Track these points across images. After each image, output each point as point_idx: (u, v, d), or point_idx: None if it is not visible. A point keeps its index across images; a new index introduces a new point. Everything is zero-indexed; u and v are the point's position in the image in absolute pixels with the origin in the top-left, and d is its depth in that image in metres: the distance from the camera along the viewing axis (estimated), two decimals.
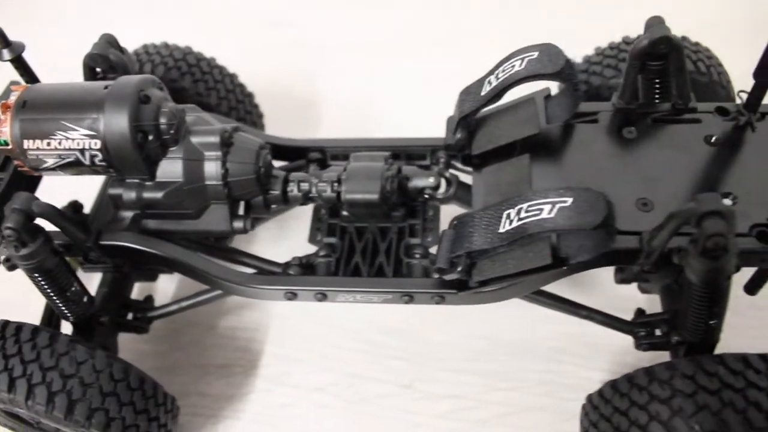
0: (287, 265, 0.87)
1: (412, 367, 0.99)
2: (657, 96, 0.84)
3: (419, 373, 0.98)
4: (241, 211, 0.86)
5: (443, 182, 0.90)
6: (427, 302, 0.81)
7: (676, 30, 0.98)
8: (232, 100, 1.05)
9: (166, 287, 1.09)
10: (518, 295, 0.82)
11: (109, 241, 0.82)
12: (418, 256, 0.87)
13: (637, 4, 1.33)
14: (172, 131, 0.77)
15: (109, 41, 0.87)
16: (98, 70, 0.88)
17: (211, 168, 0.80)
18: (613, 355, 0.97)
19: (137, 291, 1.03)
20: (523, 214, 0.71)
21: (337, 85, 1.39)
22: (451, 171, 0.92)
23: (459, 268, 0.76)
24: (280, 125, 1.22)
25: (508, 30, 1.43)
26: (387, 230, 0.90)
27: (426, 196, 0.89)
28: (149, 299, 0.96)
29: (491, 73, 0.85)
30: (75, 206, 0.95)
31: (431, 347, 1.00)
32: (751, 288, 0.83)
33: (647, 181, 0.78)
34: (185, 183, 0.79)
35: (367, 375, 0.98)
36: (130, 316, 0.93)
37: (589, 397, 0.80)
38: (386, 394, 0.96)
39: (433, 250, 0.87)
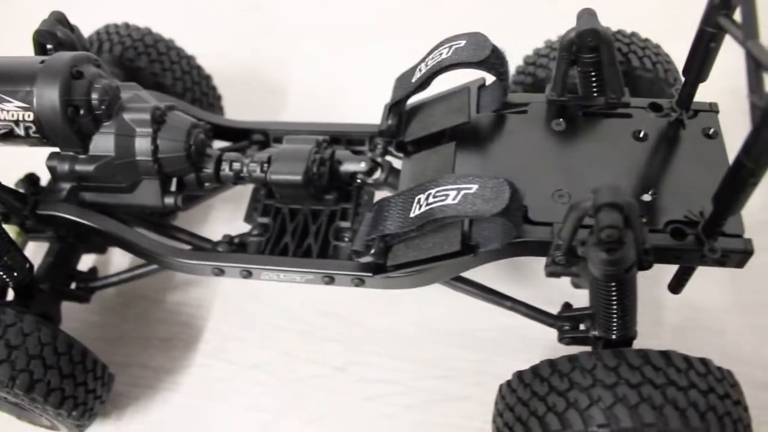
0: (218, 242, 0.90)
1: (347, 350, 1.00)
2: (594, 89, 0.84)
3: (353, 356, 0.99)
4: (174, 188, 0.88)
5: (377, 167, 0.91)
6: (348, 284, 0.83)
7: (626, 25, 0.98)
8: (187, 81, 1.07)
9: (120, 261, 1.12)
10: (437, 281, 0.83)
11: (44, 211, 0.85)
12: (346, 239, 0.88)
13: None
14: (103, 106, 0.80)
15: (58, 19, 0.90)
16: (48, 46, 0.91)
17: (142, 144, 0.82)
18: (547, 349, 0.97)
19: (98, 263, 1.07)
20: (431, 200, 0.72)
21: (307, 71, 1.40)
22: (387, 157, 0.93)
23: (372, 251, 0.78)
24: (246, 109, 1.25)
25: (481, 18, 1.44)
26: (319, 213, 0.91)
27: (358, 180, 0.91)
28: (93, 271, 0.99)
29: (423, 60, 0.86)
30: (31, 179, 0.98)
31: (367, 332, 1.01)
32: (674, 287, 0.82)
33: (568, 173, 0.79)
34: (117, 158, 0.82)
35: (303, 355, 1.00)
36: (74, 286, 0.97)
37: (508, 381, 0.79)
38: (320, 374, 0.98)
39: None
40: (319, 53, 1.43)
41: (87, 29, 1.05)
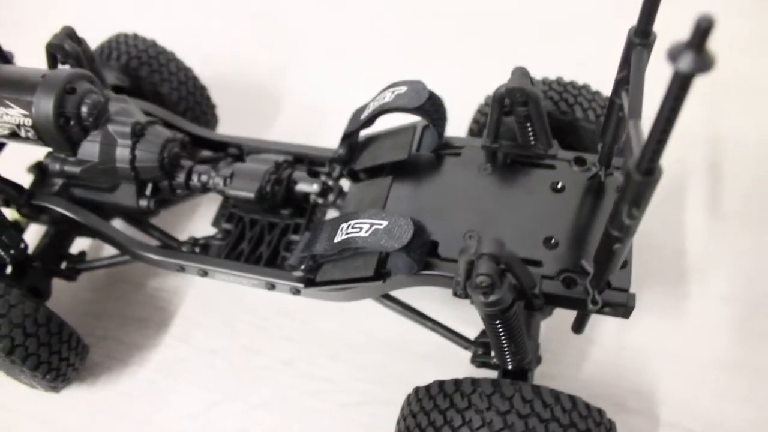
0: (184, 242, 1.02)
1: (297, 347, 1.11)
2: (530, 137, 0.92)
3: (301, 353, 1.11)
4: (149, 193, 1.01)
5: (329, 190, 1.01)
6: (286, 291, 0.94)
7: (581, 78, 1.05)
8: (182, 91, 1.19)
9: (109, 247, 1.25)
10: (362, 298, 0.93)
11: (38, 202, 1.00)
12: (294, 251, 0.99)
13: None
14: (91, 118, 0.93)
15: (68, 33, 1.03)
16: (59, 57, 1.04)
17: (122, 153, 0.95)
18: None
19: (91, 247, 1.21)
20: (349, 230, 0.83)
21: (305, 84, 1.50)
22: (343, 180, 1.03)
23: (303, 267, 0.89)
24: (239, 117, 1.38)
25: (483, 47, 1.51)
26: (275, 225, 1.02)
27: (311, 200, 1.02)
28: (82, 254, 1.13)
29: (373, 98, 0.96)
30: (40, 166, 1.12)
31: (317, 333, 1.12)
32: (576, 327, 0.90)
33: (483, 215, 0.87)
34: (100, 163, 0.95)
35: (257, 348, 1.12)
36: (64, 265, 1.11)
37: (416, 389, 0.87)
38: (268, 366, 1.10)
39: None
40: (319, 63, 1.54)
41: (98, 34, 1.19)
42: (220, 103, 1.33)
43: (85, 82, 0.95)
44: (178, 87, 1.19)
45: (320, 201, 1.01)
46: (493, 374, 0.94)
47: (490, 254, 0.72)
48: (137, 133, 0.95)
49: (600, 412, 0.79)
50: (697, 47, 0.44)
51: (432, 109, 0.90)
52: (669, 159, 0.65)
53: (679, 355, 1.05)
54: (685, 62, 0.45)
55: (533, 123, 0.90)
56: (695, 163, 1.26)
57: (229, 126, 1.35)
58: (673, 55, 0.45)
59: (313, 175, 1.06)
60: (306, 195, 1.01)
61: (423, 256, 0.81)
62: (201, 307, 1.17)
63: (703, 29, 0.43)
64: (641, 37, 0.71)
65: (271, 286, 0.94)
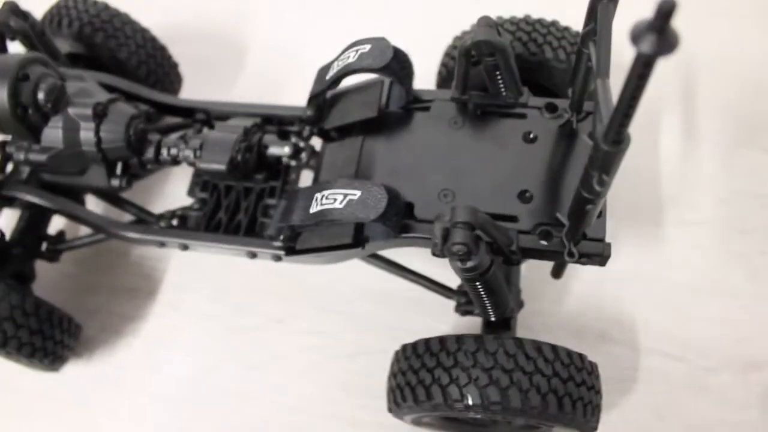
0: (161, 216, 1.01)
1: (287, 303, 1.13)
2: (500, 87, 0.90)
3: (291, 309, 1.13)
4: (119, 172, 1.00)
5: (300, 151, 1.00)
6: (268, 259, 0.95)
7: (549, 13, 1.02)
8: (141, 54, 1.15)
9: None
10: (343, 261, 0.94)
11: (8, 192, 0.98)
12: (272, 215, 0.99)
13: None
14: (49, 104, 0.90)
15: (11, 9, 0.98)
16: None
17: (87, 136, 0.93)
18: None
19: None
20: (323, 201, 0.82)
21: (269, 32, 1.45)
22: (314, 140, 1.02)
23: (281, 237, 0.89)
24: (203, 73, 1.34)
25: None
26: (250, 190, 1.02)
27: (284, 162, 1.01)
28: (61, 234, 1.12)
29: (337, 57, 0.93)
30: (5, 154, 1.09)
31: (305, 289, 1.14)
32: (555, 272, 0.92)
33: (457, 172, 0.87)
34: (65, 149, 0.93)
35: (248, 308, 1.14)
36: (45, 246, 1.10)
37: (404, 347, 0.89)
38: (261, 325, 1.12)
39: None
40: (281, 12, 1.48)
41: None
42: (183, 58, 1.29)
43: (38, 66, 0.91)
44: (136, 50, 1.14)
45: (293, 163, 1.00)
46: (477, 322, 0.97)
47: (465, 222, 0.73)
48: (99, 114, 0.93)
49: (581, 356, 0.82)
50: (660, 29, 0.43)
51: (398, 67, 0.88)
52: None
53: (656, 281, 1.08)
54: (648, 44, 0.44)
55: (502, 73, 0.88)
56: (670, 87, 1.25)
57: (193, 83, 1.31)
58: (636, 36, 0.44)
59: (284, 136, 1.04)
60: (278, 158, 1.00)
61: (399, 221, 0.81)
62: (189, 272, 1.18)
63: (665, 12, 0.42)
64: None
65: (253, 255, 0.95)
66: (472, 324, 1.05)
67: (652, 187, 1.15)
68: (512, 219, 0.82)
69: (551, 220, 0.82)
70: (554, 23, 1.02)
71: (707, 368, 1.02)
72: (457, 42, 1.08)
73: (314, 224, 0.83)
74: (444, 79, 1.10)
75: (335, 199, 0.81)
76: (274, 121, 1.05)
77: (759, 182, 1.14)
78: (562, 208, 0.83)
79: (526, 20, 1.02)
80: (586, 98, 0.85)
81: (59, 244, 1.10)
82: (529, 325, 1.07)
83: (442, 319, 1.09)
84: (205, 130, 1.04)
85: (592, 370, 0.84)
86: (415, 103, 0.93)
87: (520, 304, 0.96)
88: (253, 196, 1.01)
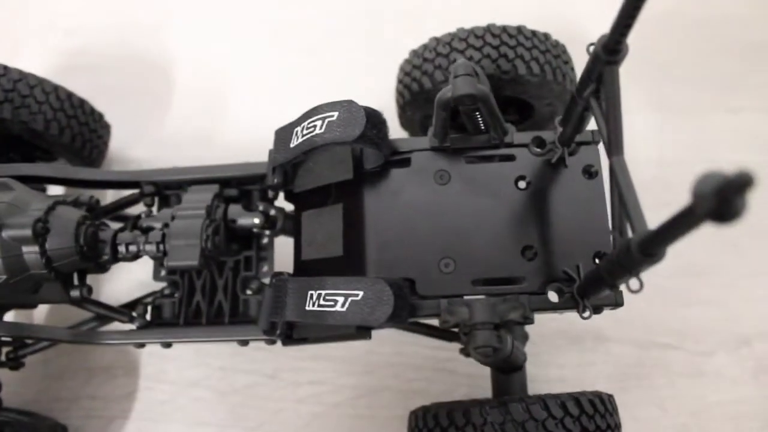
0: (135, 310, 0.92)
1: (276, 357, 1.09)
2: (480, 127, 0.83)
3: (282, 363, 1.08)
4: (76, 281, 0.89)
5: (272, 220, 0.92)
6: (261, 343, 0.89)
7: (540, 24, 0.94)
8: (61, 118, 1.00)
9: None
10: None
11: None
12: (252, 289, 0.92)
13: None
14: None
15: None
16: None
17: (32, 259, 0.81)
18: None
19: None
20: (322, 301, 0.76)
21: (191, 45, 1.31)
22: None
23: (278, 332, 0.83)
24: (127, 113, 1.19)
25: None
26: (223, 264, 0.94)
27: (256, 231, 0.92)
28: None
29: (298, 122, 0.83)
30: None
31: None
32: None
33: (453, 235, 0.81)
34: (10, 277, 0.81)
35: (236, 367, 1.09)
36: (3, 354, 1.00)
37: (423, 415, 0.84)
38: (254, 383, 1.08)
39: (266, 280, 0.92)
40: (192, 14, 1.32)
41: None
42: (98, 91, 1.13)
43: None
44: (54, 116, 0.99)
45: (267, 233, 0.92)
46: None
47: (486, 323, 0.70)
48: (41, 233, 0.81)
49: (602, 399, 0.82)
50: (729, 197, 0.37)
51: (373, 132, 0.79)
52: None
53: (647, 272, 1.08)
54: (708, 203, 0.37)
55: (484, 118, 0.81)
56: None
57: (122, 130, 1.17)
58: (700, 195, 0.37)
59: (245, 197, 0.95)
60: (249, 229, 0.91)
61: (407, 314, 0.76)
62: None
63: (740, 184, 0.35)
64: (610, 53, 0.62)
65: (244, 343, 0.89)
66: None
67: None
68: (519, 281, 0.79)
69: (560, 275, 0.79)
70: (521, 30, 0.94)
71: (704, 352, 1.04)
72: (409, 66, 0.99)
73: (314, 323, 0.78)
74: (402, 107, 1.02)
75: (335, 302, 0.75)
76: (232, 183, 0.95)
77: (730, 148, 1.14)
78: (568, 258, 0.79)
79: (491, 31, 0.93)
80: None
81: (21, 350, 1.00)
82: None
83: (437, 344, 1.07)
84: (155, 210, 0.93)
85: (613, 407, 0.84)
86: (391, 155, 0.85)
87: (525, 336, 0.95)
88: (227, 271, 0.93)
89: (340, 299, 0.75)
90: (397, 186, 0.84)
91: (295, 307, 0.79)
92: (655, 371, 1.04)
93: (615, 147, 0.63)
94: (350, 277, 0.76)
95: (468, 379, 1.06)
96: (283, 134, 0.86)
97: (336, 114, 0.79)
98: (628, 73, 0.68)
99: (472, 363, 0.97)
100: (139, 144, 1.23)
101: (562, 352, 1.05)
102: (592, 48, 0.65)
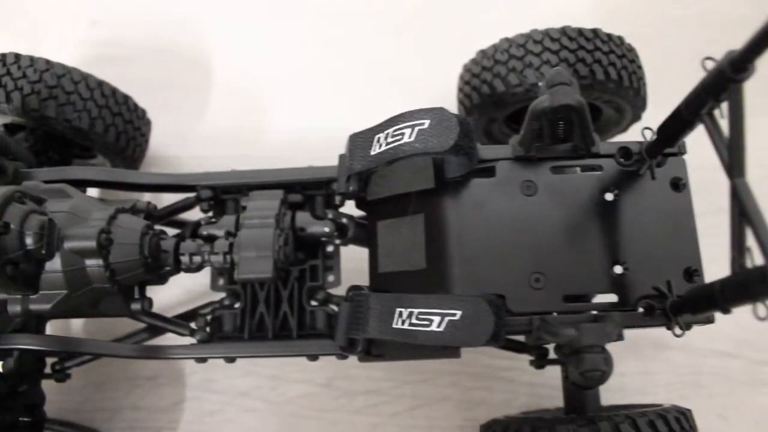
0: (195, 322, 0.87)
1: (328, 365, 1.05)
2: (560, 136, 0.80)
3: (336, 371, 1.05)
4: (137, 294, 0.84)
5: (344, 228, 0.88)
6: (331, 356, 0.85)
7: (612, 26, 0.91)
8: (107, 116, 0.94)
9: None
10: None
11: (4, 345, 0.81)
12: (318, 300, 0.88)
13: None
14: (43, 251, 0.72)
15: None
16: None
17: (95, 273, 0.76)
18: None
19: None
20: (414, 320, 0.73)
21: (229, 38, 1.25)
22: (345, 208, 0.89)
23: (358, 350, 0.79)
24: (168, 108, 1.13)
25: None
26: (288, 273, 0.89)
27: (324, 240, 0.88)
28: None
29: (381, 128, 0.79)
30: None
31: None
32: None
33: (542, 249, 0.78)
34: (72, 292, 0.76)
35: (288, 376, 1.05)
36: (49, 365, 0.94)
37: (489, 427, 0.85)
38: (307, 393, 1.04)
39: (334, 290, 0.88)
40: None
41: None
42: (135, 85, 1.07)
43: (16, 205, 0.71)
44: (99, 113, 0.93)
45: (338, 242, 0.88)
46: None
47: (596, 346, 0.67)
48: (105, 245, 0.75)
49: (685, 415, 0.81)
50: None
51: (465, 141, 0.75)
52: None
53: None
54: None
55: (575, 128, 0.78)
56: None
57: (162, 126, 1.11)
58: None
59: (309, 201, 0.90)
60: (317, 237, 0.87)
61: (503, 330, 0.73)
62: None
63: None
64: (738, 71, 0.59)
65: (314, 357, 0.85)
66: None
67: None
68: (610, 297, 0.77)
69: (649, 291, 0.77)
70: (597, 33, 0.90)
71: (763, 361, 1.04)
72: (477, 68, 0.95)
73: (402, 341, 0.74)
74: (467, 110, 0.98)
75: (431, 321, 0.72)
76: (297, 188, 0.90)
77: None
78: (658, 274, 0.77)
79: (567, 34, 0.90)
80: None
81: (67, 361, 0.94)
82: None
83: (497, 353, 1.04)
84: (226, 218, 0.88)
85: (693, 424, 0.83)
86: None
87: None
88: (292, 280, 0.89)
89: (436, 319, 0.71)
90: (481, 196, 0.80)
91: (380, 324, 0.76)
92: (715, 379, 1.03)
93: (737, 168, 0.61)
94: (444, 295, 0.73)
95: (528, 387, 1.03)
96: (360, 140, 0.81)
97: (427, 122, 0.75)
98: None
99: (531, 372, 0.94)
100: (174, 142, 1.17)
101: (622, 360, 1.04)
102: (708, 62, 0.62)
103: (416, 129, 0.75)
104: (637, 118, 0.99)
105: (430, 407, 1.03)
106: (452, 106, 1.00)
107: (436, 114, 0.75)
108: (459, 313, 0.70)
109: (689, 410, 0.83)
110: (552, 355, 0.88)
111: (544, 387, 1.03)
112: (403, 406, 1.03)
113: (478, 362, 1.05)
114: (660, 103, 0.96)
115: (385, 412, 1.03)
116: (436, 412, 1.02)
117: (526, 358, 1.00)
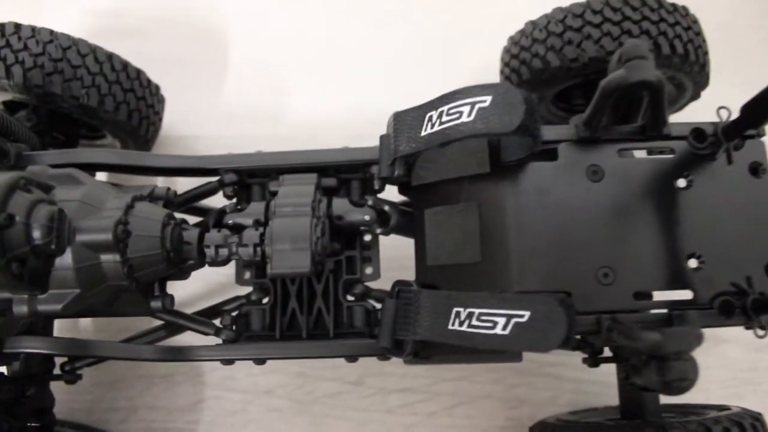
0: (220, 320, 0.79)
1: (360, 361, 0.97)
2: (627, 115, 0.73)
3: (368, 368, 0.98)
4: (157, 291, 0.76)
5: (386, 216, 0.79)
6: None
7: None
8: (117, 92, 0.85)
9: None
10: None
11: (10, 350, 0.73)
12: (356, 295, 0.80)
13: None
14: (52, 246, 0.63)
15: None
16: None
17: (112, 269, 0.68)
18: None
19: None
20: (474, 321, 0.65)
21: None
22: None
23: (407, 353, 0.72)
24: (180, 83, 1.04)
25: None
26: (323, 265, 0.81)
27: (362, 229, 0.80)
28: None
29: (432, 106, 0.70)
30: None
31: None
32: None
33: (610, 241, 0.70)
34: (85, 290, 0.67)
35: (315, 374, 0.97)
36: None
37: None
38: (336, 392, 0.97)
39: (372, 284, 0.81)
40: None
41: None
42: (147, 60, 0.97)
43: (21, 194, 0.63)
44: (109, 89, 0.84)
45: (379, 231, 0.79)
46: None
47: (683, 352, 0.60)
48: (122, 237, 0.67)
49: (759, 419, 0.74)
50: None
51: (530, 121, 0.67)
52: None
53: None
54: None
55: (647, 109, 0.70)
56: None
57: (176, 103, 1.02)
58: None
59: (344, 186, 0.82)
60: (356, 225, 0.79)
61: (575, 332, 0.66)
62: None
63: None
64: None
65: (353, 359, 0.78)
66: None
67: None
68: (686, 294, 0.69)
69: (727, 287, 0.69)
70: (661, 3, 0.83)
71: None
72: (527, 41, 0.86)
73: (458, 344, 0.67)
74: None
75: (494, 323, 0.64)
76: (330, 172, 0.81)
77: None
78: (736, 269, 0.70)
79: (631, 4, 0.81)
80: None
81: (77, 361, 0.86)
82: None
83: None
84: (254, 206, 0.79)
85: (765, 428, 0.77)
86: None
87: None
88: (327, 273, 0.81)
89: (501, 320, 0.63)
90: (543, 182, 0.72)
91: (434, 325, 0.68)
92: None
93: None
94: (509, 294, 0.65)
95: (573, 384, 0.97)
96: (409, 119, 0.73)
97: (489, 99, 0.66)
98: None
99: (577, 368, 0.88)
100: (189, 120, 1.07)
101: None
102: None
103: (476, 107, 0.67)
104: (696, 96, 0.91)
105: (469, 405, 0.96)
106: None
107: (499, 90, 0.66)
108: (527, 314, 0.63)
109: (760, 414, 0.77)
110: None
111: (589, 383, 0.96)
112: (440, 405, 0.96)
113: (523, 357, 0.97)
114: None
115: (421, 411, 0.96)
116: (476, 411, 0.96)
117: (573, 354, 0.94)
